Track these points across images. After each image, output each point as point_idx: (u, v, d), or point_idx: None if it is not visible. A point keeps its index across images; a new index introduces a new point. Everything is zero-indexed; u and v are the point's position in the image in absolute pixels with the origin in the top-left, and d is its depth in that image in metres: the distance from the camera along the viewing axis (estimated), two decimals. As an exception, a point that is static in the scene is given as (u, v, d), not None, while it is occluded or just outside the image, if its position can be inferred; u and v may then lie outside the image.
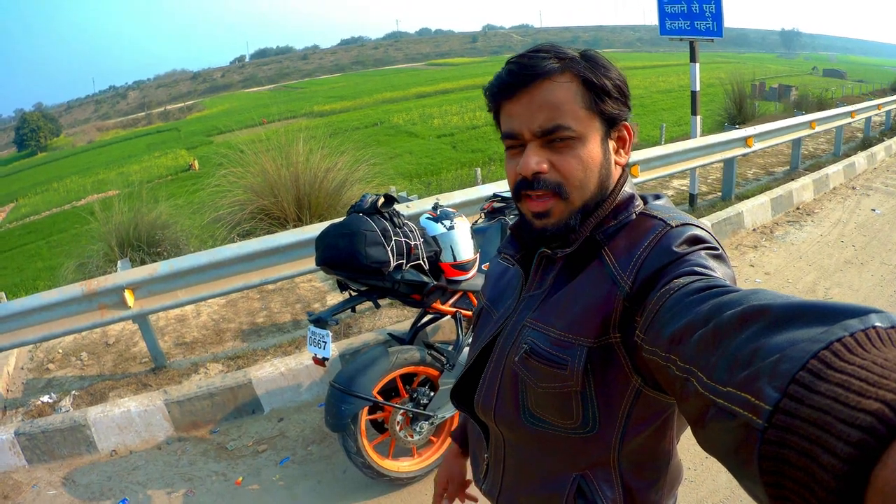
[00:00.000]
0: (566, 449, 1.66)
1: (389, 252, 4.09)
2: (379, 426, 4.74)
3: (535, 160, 1.54)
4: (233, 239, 9.71)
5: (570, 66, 1.55)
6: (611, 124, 1.62)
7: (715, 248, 1.47)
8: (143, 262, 9.15)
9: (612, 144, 1.64)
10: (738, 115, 22.04)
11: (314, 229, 6.37)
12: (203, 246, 10.04)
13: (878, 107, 18.30)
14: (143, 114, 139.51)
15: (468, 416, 1.98)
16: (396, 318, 7.12)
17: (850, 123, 16.35)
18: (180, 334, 7.36)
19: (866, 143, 16.87)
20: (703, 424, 0.93)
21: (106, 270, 9.29)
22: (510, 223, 5.06)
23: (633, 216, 1.62)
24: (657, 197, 1.74)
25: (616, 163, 1.66)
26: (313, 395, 6.07)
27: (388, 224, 4.17)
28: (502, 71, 1.61)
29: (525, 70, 1.55)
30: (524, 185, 1.59)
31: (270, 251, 6.43)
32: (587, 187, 1.58)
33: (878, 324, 0.76)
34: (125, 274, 6.13)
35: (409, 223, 4.41)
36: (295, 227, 9.57)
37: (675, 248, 1.43)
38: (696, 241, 1.46)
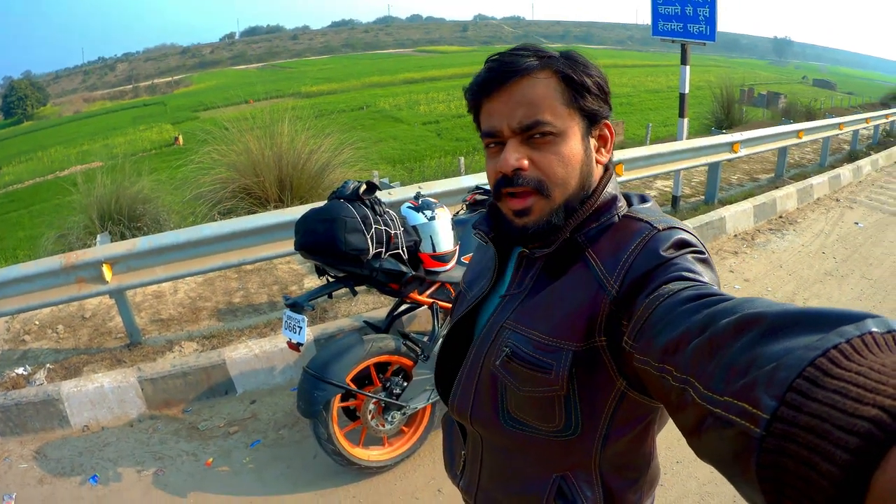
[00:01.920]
0: (546, 451, 1.66)
1: (369, 240, 4.09)
2: (351, 414, 4.75)
3: (515, 156, 1.54)
4: (214, 217, 9.73)
5: (550, 64, 1.56)
6: (591, 122, 1.62)
7: (701, 252, 1.47)
8: (123, 236, 9.12)
9: (593, 142, 1.64)
10: (726, 119, 22.17)
11: (295, 211, 6.36)
12: (183, 223, 10.02)
13: (866, 120, 18.42)
14: (130, 86, 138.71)
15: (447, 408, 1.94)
16: (373, 304, 7.13)
17: (837, 135, 16.50)
18: (157, 311, 7.35)
19: (853, 156, 17.00)
20: (700, 434, 0.93)
21: (86, 242, 9.29)
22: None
23: (617, 218, 1.61)
24: (643, 199, 1.74)
25: (597, 161, 1.66)
26: (286, 379, 6.08)
27: (368, 211, 4.17)
28: (482, 70, 1.61)
29: (505, 67, 1.55)
30: (505, 183, 1.58)
31: (250, 231, 6.42)
32: (568, 184, 1.58)
33: (874, 329, 0.77)
34: (104, 248, 6.12)
35: (390, 211, 4.41)
36: (276, 207, 9.57)
37: (662, 252, 1.42)
38: (683, 244, 1.46)
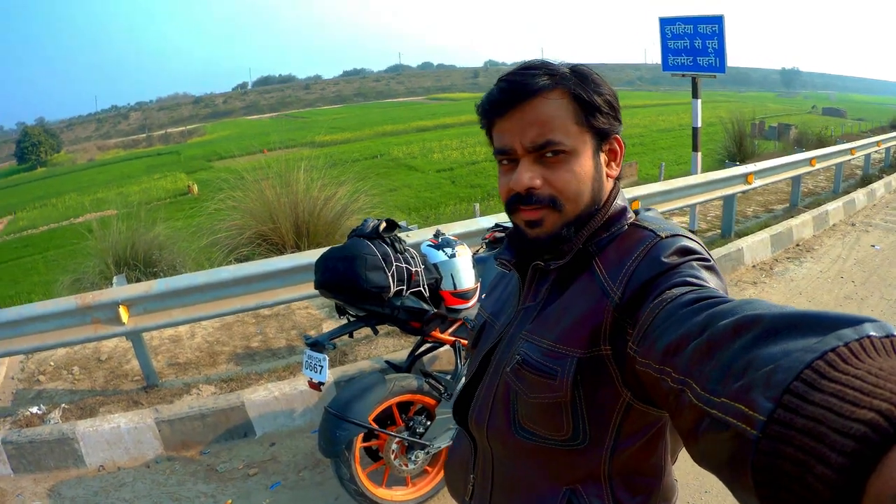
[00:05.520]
0: (556, 462, 1.66)
1: (390, 277, 4.06)
2: (373, 454, 4.66)
3: (528, 175, 1.57)
4: (230, 263, 9.62)
5: (561, 83, 1.58)
6: (602, 138, 1.64)
7: (706, 260, 1.49)
8: (139, 281, 9.10)
9: (603, 157, 1.66)
10: (738, 153, 22.30)
11: (313, 254, 6.26)
12: (199, 268, 9.97)
13: (877, 143, 18.61)
14: (143, 135, 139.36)
15: (462, 431, 1.97)
16: (393, 347, 7.08)
17: (849, 160, 16.52)
18: (174, 354, 7.31)
19: (866, 180, 17.08)
20: (697, 436, 0.93)
21: (101, 287, 9.21)
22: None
23: (625, 227, 1.64)
24: (647, 209, 1.77)
25: (608, 175, 1.69)
26: (306, 421, 6.01)
27: (389, 249, 4.15)
28: (494, 89, 1.64)
29: (517, 87, 1.58)
30: (518, 200, 1.61)
31: (268, 275, 6.40)
32: (581, 200, 1.61)
33: (872, 333, 0.77)
34: (120, 290, 6.11)
35: (411, 249, 4.38)
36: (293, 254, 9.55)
37: (664, 259, 1.45)
38: (686, 251, 1.49)
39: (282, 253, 9.74)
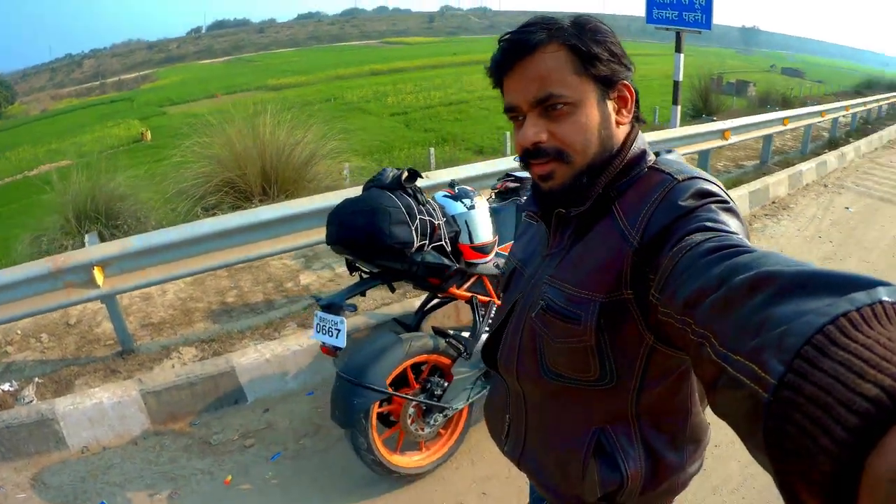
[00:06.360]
0: (586, 402, 1.74)
1: (413, 231, 3.80)
2: (384, 419, 4.46)
3: (533, 131, 1.61)
4: (197, 213, 9.53)
5: (557, 36, 1.60)
6: (606, 86, 1.65)
7: (725, 202, 1.49)
8: (101, 236, 8.72)
9: (611, 105, 1.67)
10: (704, 107, 23.05)
11: (298, 204, 6.20)
12: (165, 220, 9.72)
13: (846, 108, 19.84)
14: (97, 83, 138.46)
15: (495, 374, 2.05)
16: (381, 299, 6.78)
17: (818, 122, 17.23)
18: (146, 314, 6.96)
19: (833, 143, 17.99)
20: (715, 391, 0.94)
21: (62, 243, 8.99)
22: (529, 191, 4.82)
23: (644, 171, 1.66)
24: (668, 151, 1.80)
25: (618, 122, 1.69)
26: (300, 384, 5.74)
27: (411, 201, 3.89)
28: (497, 50, 1.69)
29: (515, 46, 1.62)
30: (529, 155, 1.66)
31: (251, 227, 6.09)
32: (589, 150, 1.62)
33: (885, 298, 0.75)
34: (95, 249, 5.71)
35: (431, 201, 4.15)
36: (261, 201, 9.44)
37: (681, 203, 1.46)
38: (704, 194, 1.49)
39: (250, 200, 9.71)
